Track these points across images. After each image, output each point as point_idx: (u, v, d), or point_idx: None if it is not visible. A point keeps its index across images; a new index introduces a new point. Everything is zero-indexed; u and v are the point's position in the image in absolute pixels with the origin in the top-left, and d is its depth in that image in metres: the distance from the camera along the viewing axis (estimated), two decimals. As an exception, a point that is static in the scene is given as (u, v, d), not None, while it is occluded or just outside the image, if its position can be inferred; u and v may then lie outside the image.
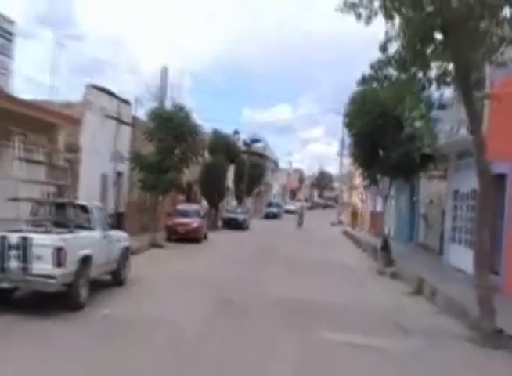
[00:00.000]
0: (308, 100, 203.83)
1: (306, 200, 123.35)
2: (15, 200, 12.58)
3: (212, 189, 38.00)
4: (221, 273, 17.50)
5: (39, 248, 10.01)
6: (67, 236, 10.69)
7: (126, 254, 14.08)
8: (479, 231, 10.93)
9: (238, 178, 52.46)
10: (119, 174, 25.64)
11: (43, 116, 16.74)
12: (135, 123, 26.48)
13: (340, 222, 57.99)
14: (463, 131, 15.97)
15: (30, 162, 15.73)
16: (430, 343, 9.88)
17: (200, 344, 9.15)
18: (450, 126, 17.11)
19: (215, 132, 45.89)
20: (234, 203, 53.75)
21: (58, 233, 10.80)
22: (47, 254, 9.95)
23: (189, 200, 36.38)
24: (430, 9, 9.38)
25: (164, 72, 27.49)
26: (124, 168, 26.10)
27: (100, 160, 23.01)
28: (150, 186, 24.61)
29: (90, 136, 21.38)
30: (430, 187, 23.95)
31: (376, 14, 10.39)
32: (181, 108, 25.51)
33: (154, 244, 23.46)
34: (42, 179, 16.75)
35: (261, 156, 72.13)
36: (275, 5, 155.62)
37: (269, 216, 63.84)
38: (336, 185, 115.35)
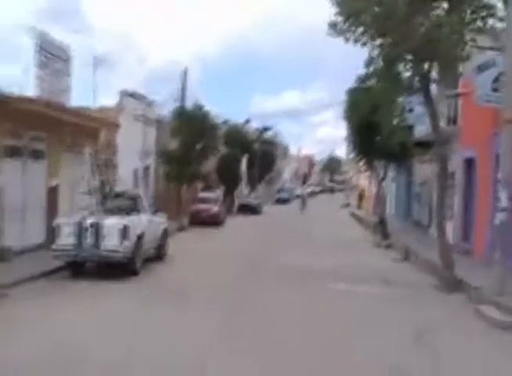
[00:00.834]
0: (317, 84, 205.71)
1: (317, 185, 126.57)
2: (89, 193, 15.90)
3: (228, 177, 41.37)
4: (241, 249, 20.85)
5: (107, 229, 13.37)
6: (127, 219, 14.05)
7: (165, 233, 17.45)
8: (439, 205, 14.23)
9: (250, 166, 55.52)
10: (146, 168, 29.00)
11: (91, 123, 20.10)
12: (159, 121, 29.79)
13: (349, 205, 61.12)
14: (441, 124, 19.13)
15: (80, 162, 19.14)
16: (404, 290, 13.20)
17: (235, 293, 12.45)
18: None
19: (225, 122, 48.96)
20: (247, 189, 56.93)
21: (120, 217, 14.16)
22: (113, 233, 13.32)
23: (206, 188, 39.64)
24: (395, 37, 12.53)
25: (184, 74, 30.68)
26: (151, 162, 29.45)
27: (131, 157, 26.32)
28: (175, 177, 27.97)
29: (123, 136, 24.64)
30: (422, 170, 26.99)
31: (357, 40, 13.55)
32: (200, 108, 28.83)
33: (181, 228, 26.78)
34: (89, 175, 20.15)
35: (272, 143, 75.16)
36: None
37: (280, 201, 67.02)
38: (346, 168, 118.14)
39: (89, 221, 13.49)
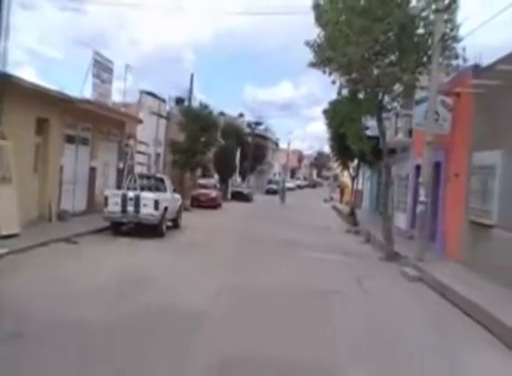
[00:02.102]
0: (310, 77, 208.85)
1: (305, 179, 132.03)
2: (128, 173, 20.82)
3: (223, 167, 46.45)
4: (236, 225, 26.00)
5: (144, 201, 18.36)
6: (157, 194, 19.07)
7: (181, 208, 22.49)
8: (385, 199, 19.37)
9: (243, 158, 60.60)
10: (157, 155, 33.96)
11: (121, 117, 25.02)
12: (169, 116, 34.74)
13: (332, 199, 66.29)
14: (399, 136, 24.24)
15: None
16: (359, 259, 18.25)
17: (231, 253, 17.46)
18: (390, 132, 25.37)
19: (222, 114, 53.90)
20: (239, 179, 61.99)
21: (152, 192, 19.18)
22: (150, 203, 18.33)
23: (204, 175, 44.68)
24: (356, 77, 17.59)
25: (191, 78, 35.77)
26: (161, 150, 34.40)
27: (146, 146, 31.26)
28: (181, 164, 32.94)
29: (141, 128, 29.55)
30: (398, 170, 32.03)
31: (331, 74, 18.50)
32: (205, 107, 33.85)
33: (185, 208, 31.68)
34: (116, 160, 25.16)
35: (264, 137, 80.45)
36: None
37: (269, 192, 72.22)
38: (334, 165, 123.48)
39: (131, 194, 18.49)
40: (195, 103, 35.32)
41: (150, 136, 31.81)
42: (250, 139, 64.78)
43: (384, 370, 7.34)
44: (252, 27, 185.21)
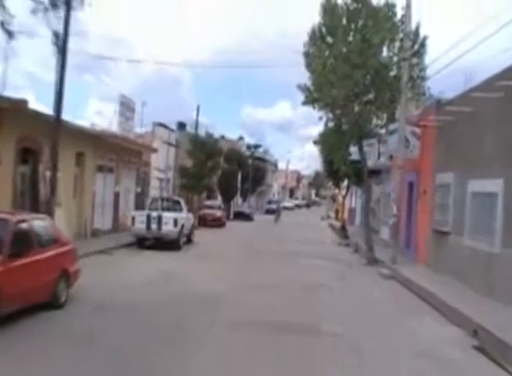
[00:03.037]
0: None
1: (303, 199, 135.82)
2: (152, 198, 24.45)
3: (226, 189, 50.14)
4: (240, 240, 29.58)
5: (165, 219, 21.96)
6: (176, 214, 22.70)
7: (193, 226, 26.08)
8: (366, 213, 23.00)
9: (243, 180, 64.25)
10: (167, 180, 37.65)
11: (139, 148, 28.74)
12: (178, 144, 38.50)
13: (329, 217, 69.85)
14: (382, 159, 27.94)
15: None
16: (345, 265, 21.78)
17: (239, 260, 21.01)
18: (374, 155, 29.11)
19: (222, 138, 57.71)
20: (240, 200, 65.61)
21: (172, 212, 22.81)
22: (170, 221, 21.93)
23: (209, 197, 48.36)
24: (340, 113, 21.35)
25: (197, 110, 39.69)
26: (171, 175, 38.11)
27: (158, 172, 34.96)
28: (189, 187, 36.61)
29: (155, 156, 33.25)
30: (377, 190, 35.70)
31: (320, 110, 22.26)
32: (210, 136, 37.65)
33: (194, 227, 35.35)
34: (134, 185, 28.82)
35: (263, 160, 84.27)
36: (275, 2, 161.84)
37: (269, 211, 75.62)
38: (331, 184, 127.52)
39: (154, 214, 22.11)
40: (201, 131, 39.12)
41: (162, 163, 35.51)
42: (250, 161, 68.48)
43: (347, 327, 10.90)
44: (249, 48, 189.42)
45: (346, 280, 17.25)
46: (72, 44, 11.12)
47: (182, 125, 45.22)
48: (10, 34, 9.41)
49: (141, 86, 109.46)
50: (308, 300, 13.45)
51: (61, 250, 10.89)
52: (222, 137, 57.93)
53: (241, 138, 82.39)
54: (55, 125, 15.73)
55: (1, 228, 9.16)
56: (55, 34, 14.27)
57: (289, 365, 8.16)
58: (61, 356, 7.84)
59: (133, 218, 22.24)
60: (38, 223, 10.45)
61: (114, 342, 8.67)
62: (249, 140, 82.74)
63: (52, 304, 10.30)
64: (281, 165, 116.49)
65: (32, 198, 17.77)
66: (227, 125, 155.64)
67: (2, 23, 10.30)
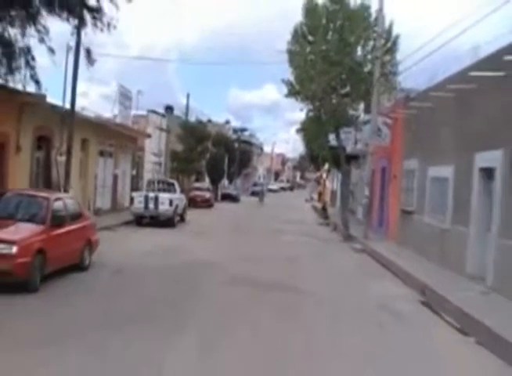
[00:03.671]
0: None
1: (288, 181, 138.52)
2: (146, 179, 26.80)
3: (214, 172, 52.49)
4: (228, 220, 32.05)
5: (161, 200, 24.33)
6: (171, 195, 25.08)
7: (186, 206, 28.47)
8: (343, 196, 25.51)
9: (230, 163, 66.58)
10: (159, 163, 39.94)
11: (135, 134, 31.00)
12: (169, 129, 40.76)
13: (312, 199, 72.44)
14: (359, 145, 30.40)
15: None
16: (323, 240, 24.34)
17: (229, 237, 23.45)
18: (352, 142, 31.60)
19: (209, 121, 60.00)
20: (227, 182, 67.94)
21: (167, 193, 25.18)
22: (166, 201, 24.32)
23: (197, 180, 50.71)
24: (317, 104, 23.77)
25: (187, 97, 41.92)
26: (162, 159, 40.41)
27: (151, 155, 37.24)
28: (180, 171, 38.96)
29: (148, 141, 35.51)
30: (355, 174, 38.23)
31: (302, 101, 24.69)
32: (200, 122, 39.95)
33: (184, 207, 37.76)
34: (130, 168, 31.14)
35: (249, 143, 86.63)
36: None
37: (255, 193, 78.04)
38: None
39: (151, 195, 24.47)
40: (190, 117, 41.39)
41: (155, 147, 37.78)
42: (236, 144, 70.76)
43: (321, 287, 13.42)
44: (238, 29, 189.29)
45: (322, 253, 19.82)
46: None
47: (169, 109, 47.41)
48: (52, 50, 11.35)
49: (128, 67, 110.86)
50: (289, 267, 15.94)
51: (85, 223, 13.28)
52: (209, 121, 60.17)
53: (228, 121, 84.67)
54: (70, 117, 18.00)
55: (43, 204, 11.53)
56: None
57: (270, 313, 10.63)
58: (90, 304, 10.29)
59: (132, 199, 24.61)
60: (68, 201, 12.84)
61: (136, 292, 11.12)
62: (235, 123, 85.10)
63: (79, 267, 12.68)
64: (267, 148, 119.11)
65: (45, 180, 20.03)
66: (214, 107, 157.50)
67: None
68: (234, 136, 74.80)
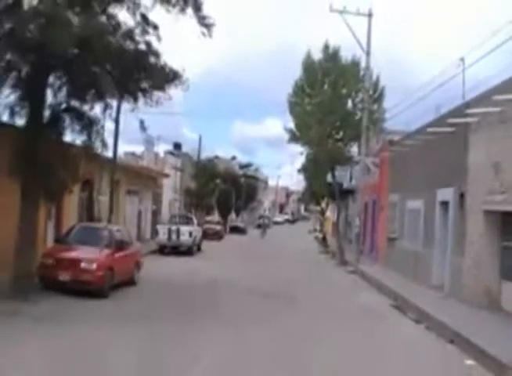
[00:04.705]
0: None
1: (292, 214, 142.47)
2: (171, 217, 30.84)
3: (223, 207, 56.57)
4: (238, 249, 36.06)
5: (183, 231, 28.32)
6: (190, 227, 29.07)
7: (202, 236, 32.43)
8: (337, 227, 29.43)
9: (237, 197, 70.67)
10: (175, 200, 44.04)
11: (155, 174, 35.15)
12: (183, 169, 44.97)
13: (316, 230, 76.13)
14: (353, 181, 34.45)
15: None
16: (322, 265, 28.17)
17: (240, 262, 27.29)
18: (348, 178, 35.67)
19: (217, 158, 64.26)
20: (234, 216, 71.96)
21: (187, 226, 29.19)
22: (186, 233, 28.29)
23: (207, 214, 54.69)
24: (315, 148, 27.88)
25: (199, 139, 46.39)
26: (177, 195, 44.52)
27: (169, 192, 41.33)
28: (193, 206, 43.01)
29: (166, 180, 39.61)
30: (353, 206, 42.16)
31: (304, 146, 28.85)
32: (210, 161, 44.17)
33: (197, 239, 41.68)
34: (151, 204, 35.20)
35: (254, 178, 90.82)
36: (266, 20, 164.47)
37: (260, 226, 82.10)
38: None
39: (173, 227, 28.47)
40: (192, 150, 45.52)
41: (171, 185, 41.90)
42: (242, 179, 74.93)
43: (316, 298, 17.30)
44: (238, 65, 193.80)
45: (320, 274, 23.71)
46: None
47: (177, 146, 51.55)
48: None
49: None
50: (291, 284, 19.78)
51: (134, 249, 17.28)
52: (216, 157, 64.47)
53: (234, 157, 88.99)
54: (112, 166, 22.13)
55: (108, 233, 15.55)
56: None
57: (278, 312, 14.51)
58: (146, 304, 14.24)
59: (157, 231, 28.59)
60: (123, 231, 16.85)
61: (175, 298, 15.06)
62: (240, 156, 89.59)
63: (131, 282, 16.61)
64: (271, 182, 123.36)
65: (88, 215, 24.02)
66: (217, 141, 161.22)
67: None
68: (240, 171, 78.98)
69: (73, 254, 14.37)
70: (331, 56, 28.73)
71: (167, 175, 38.14)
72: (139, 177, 31.63)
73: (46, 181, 13.29)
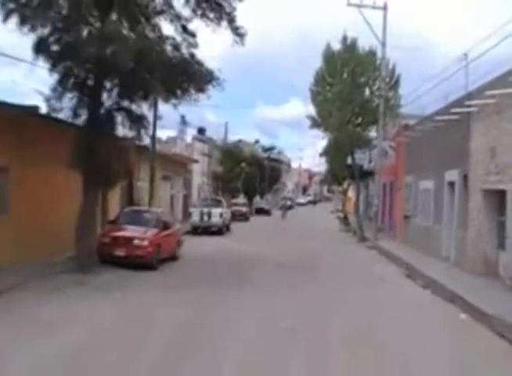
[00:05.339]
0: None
1: (315, 195, 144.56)
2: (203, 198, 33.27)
3: (249, 189, 58.85)
4: (264, 228, 38.41)
5: (214, 213, 30.67)
6: (220, 209, 31.41)
7: (230, 218, 34.75)
8: (357, 206, 31.57)
9: (261, 180, 72.94)
10: (203, 183, 46.39)
11: (186, 160, 37.49)
12: (210, 154, 47.26)
13: (338, 210, 78.17)
14: (372, 164, 36.43)
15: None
16: (343, 243, 30.37)
17: (267, 240, 29.57)
18: (367, 160, 37.65)
19: (240, 141, 66.50)
20: (258, 198, 74.25)
21: (217, 208, 31.53)
22: (217, 215, 30.65)
23: (233, 197, 57.02)
24: (335, 133, 29.96)
25: (226, 125, 48.58)
26: (205, 179, 46.86)
27: (197, 176, 43.68)
28: (220, 189, 45.34)
29: (195, 165, 41.93)
30: (372, 186, 44.16)
31: (325, 131, 30.97)
32: (236, 146, 46.40)
33: (225, 220, 44.03)
34: (181, 188, 37.57)
35: (278, 161, 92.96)
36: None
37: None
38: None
39: (205, 209, 30.81)
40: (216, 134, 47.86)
41: (199, 170, 44.24)
42: (266, 162, 77.13)
43: (336, 269, 19.53)
44: (262, 45, 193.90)
45: (340, 250, 25.90)
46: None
47: (201, 130, 53.73)
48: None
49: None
50: (314, 259, 22.01)
51: (175, 228, 19.62)
52: (240, 141, 66.69)
53: (257, 141, 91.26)
54: (152, 155, 24.47)
55: (154, 215, 17.93)
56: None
57: (303, 280, 16.75)
58: (188, 274, 16.59)
59: (190, 213, 30.96)
60: (165, 213, 19.20)
61: (213, 270, 17.39)
62: (262, 138, 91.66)
63: (174, 257, 18.97)
64: (294, 164, 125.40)
65: (128, 201, 26.41)
66: (240, 124, 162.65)
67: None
68: (264, 154, 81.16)
69: (126, 233, 16.78)
70: (349, 46, 30.68)
71: (196, 161, 40.46)
72: (172, 163, 33.97)
73: (104, 171, 15.58)
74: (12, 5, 13.06)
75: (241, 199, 53.20)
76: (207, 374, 7.62)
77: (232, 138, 61.22)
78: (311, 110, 31.24)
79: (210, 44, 16.93)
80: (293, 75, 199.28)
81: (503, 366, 8.58)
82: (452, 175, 19.45)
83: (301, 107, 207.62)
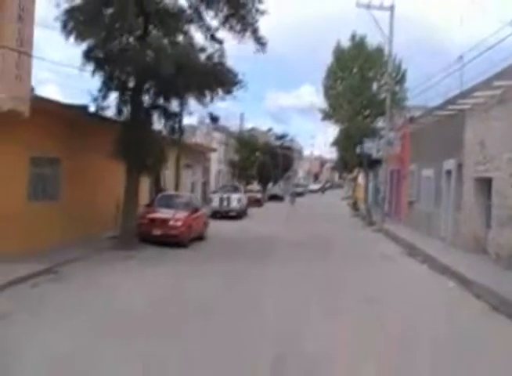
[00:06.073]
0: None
1: (327, 182, 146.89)
2: (223, 186, 35.79)
3: (263, 176, 61.31)
4: (278, 213, 40.78)
5: (232, 199, 33.15)
6: (239, 195, 33.89)
7: (247, 203, 37.21)
8: (366, 192, 33.91)
9: (274, 167, 75.32)
10: (220, 171, 48.85)
11: (205, 149, 39.95)
12: (227, 143, 49.69)
13: (348, 197, 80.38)
14: (380, 153, 38.69)
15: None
16: (353, 226, 32.78)
17: (282, 223, 32.00)
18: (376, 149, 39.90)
19: (252, 129, 68.85)
20: (271, 184, 76.69)
21: (236, 193, 34.00)
22: (235, 200, 33.13)
23: (248, 183, 59.48)
24: (346, 124, 32.28)
25: (241, 117, 50.96)
26: (222, 167, 49.31)
27: (215, 164, 46.13)
28: (237, 177, 47.78)
29: (213, 154, 44.36)
30: (381, 174, 46.42)
31: (336, 123, 33.32)
32: (252, 136, 48.78)
33: (241, 206, 46.53)
34: (201, 176, 40.04)
35: (289, 148, 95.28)
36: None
37: (296, 194, 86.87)
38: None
39: (224, 195, 33.28)
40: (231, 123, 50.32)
41: (216, 158, 46.69)
42: (278, 150, 79.49)
43: (345, 246, 22.00)
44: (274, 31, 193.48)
45: (348, 233, 28.32)
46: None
47: (214, 119, 55.94)
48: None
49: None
50: (324, 240, 24.44)
51: (202, 211, 22.12)
52: (252, 128, 69.08)
53: (270, 129, 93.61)
54: (178, 145, 26.92)
55: (185, 200, 20.46)
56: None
57: (316, 258, 19.19)
58: (215, 251, 19.11)
59: (210, 199, 33.45)
60: (194, 197, 21.67)
61: (238, 248, 19.89)
62: (274, 125, 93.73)
63: (202, 237, 21.47)
64: (306, 152, 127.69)
65: (156, 187, 28.91)
66: (251, 110, 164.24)
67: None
68: (277, 142, 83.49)
69: (162, 215, 19.30)
70: (358, 43, 32.94)
71: (214, 150, 42.90)
72: (193, 153, 36.43)
73: (144, 160, 18.05)
74: (71, 25, 15.44)
75: (255, 186, 55.73)
76: (255, 305, 10.16)
77: (245, 125, 63.98)
78: (322, 102, 33.61)
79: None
80: (304, 63, 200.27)
81: (477, 318, 11.00)
82: (450, 164, 21.75)
83: (313, 93, 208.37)
